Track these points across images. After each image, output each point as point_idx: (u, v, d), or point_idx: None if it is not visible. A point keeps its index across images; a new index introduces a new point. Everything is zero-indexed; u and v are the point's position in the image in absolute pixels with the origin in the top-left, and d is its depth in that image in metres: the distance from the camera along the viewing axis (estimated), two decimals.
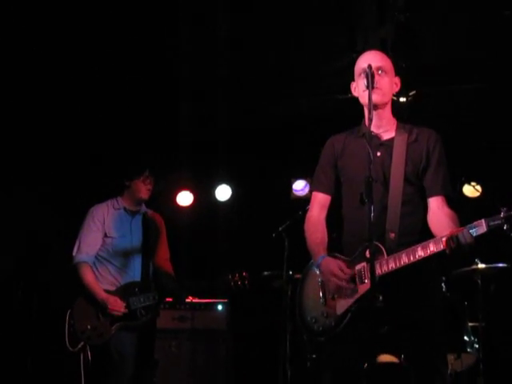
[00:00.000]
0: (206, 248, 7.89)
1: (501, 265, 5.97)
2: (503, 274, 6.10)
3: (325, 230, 3.92)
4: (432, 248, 3.47)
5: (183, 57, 6.82)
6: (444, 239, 3.41)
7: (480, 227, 3.35)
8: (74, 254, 5.39)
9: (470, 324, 5.95)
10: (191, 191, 7.80)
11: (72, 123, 6.99)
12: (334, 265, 3.68)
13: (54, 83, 6.63)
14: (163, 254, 5.66)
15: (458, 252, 3.38)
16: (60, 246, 6.06)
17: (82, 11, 6.02)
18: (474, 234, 3.36)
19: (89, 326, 5.17)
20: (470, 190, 7.27)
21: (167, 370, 6.31)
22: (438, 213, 3.69)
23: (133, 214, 5.57)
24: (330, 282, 3.68)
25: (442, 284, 5.81)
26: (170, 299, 6.34)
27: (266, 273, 6.31)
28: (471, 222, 3.41)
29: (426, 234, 3.71)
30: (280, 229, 5.90)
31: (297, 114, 7.37)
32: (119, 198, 5.59)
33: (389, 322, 3.66)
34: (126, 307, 5.20)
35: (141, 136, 7.21)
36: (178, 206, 7.78)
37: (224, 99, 7.40)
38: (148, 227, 5.61)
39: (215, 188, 7.84)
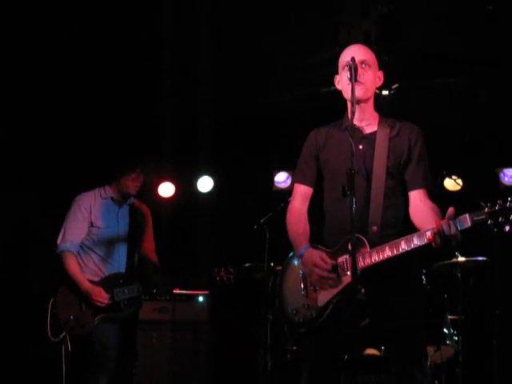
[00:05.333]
0: (187, 239, 7.88)
1: (480, 258, 6.02)
2: (482, 267, 6.15)
3: (307, 221, 3.93)
4: (416, 241, 3.49)
5: (165, 47, 6.79)
6: (429, 233, 3.44)
7: (464, 222, 3.38)
8: (58, 242, 5.35)
9: (450, 317, 6.00)
10: (173, 182, 7.79)
11: (59, 114, 6.96)
12: (317, 255, 3.70)
13: (41, 77, 6.59)
14: (149, 245, 5.65)
15: (444, 245, 3.41)
16: (45, 235, 6.02)
17: (62, 8, 5.96)
18: (459, 228, 3.38)
19: (71, 317, 5.15)
20: (451, 184, 7.32)
21: (148, 361, 6.31)
22: (420, 206, 3.72)
23: (120, 204, 5.54)
24: (313, 272, 3.70)
25: (422, 277, 5.86)
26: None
27: (247, 264, 6.32)
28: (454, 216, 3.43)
29: (407, 227, 3.73)
30: (261, 220, 5.90)
31: (279, 106, 7.36)
32: (107, 187, 5.55)
33: (370, 315, 3.69)
34: (110, 298, 5.19)
35: (122, 127, 7.19)
36: (160, 197, 7.76)
37: (206, 90, 7.37)
38: (135, 218, 5.59)
39: (197, 179, 7.83)
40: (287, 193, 4.81)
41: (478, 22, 6.18)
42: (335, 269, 3.68)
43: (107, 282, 5.26)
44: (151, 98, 7.19)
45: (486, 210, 3.34)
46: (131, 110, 7.16)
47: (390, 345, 3.82)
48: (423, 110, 6.76)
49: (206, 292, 6.72)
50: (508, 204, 3.30)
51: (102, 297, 5.15)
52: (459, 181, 7.24)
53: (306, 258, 3.74)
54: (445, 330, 5.88)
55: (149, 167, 5.64)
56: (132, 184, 5.47)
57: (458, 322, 5.96)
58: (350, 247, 3.51)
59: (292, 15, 6.25)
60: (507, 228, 3.29)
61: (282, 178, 7.75)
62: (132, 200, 5.61)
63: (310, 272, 3.72)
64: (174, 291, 6.57)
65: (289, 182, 7.61)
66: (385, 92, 6.60)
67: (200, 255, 7.66)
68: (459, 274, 6.05)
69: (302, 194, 3.99)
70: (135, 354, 5.57)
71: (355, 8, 5.99)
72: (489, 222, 3.33)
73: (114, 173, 5.50)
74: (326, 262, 3.67)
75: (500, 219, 3.30)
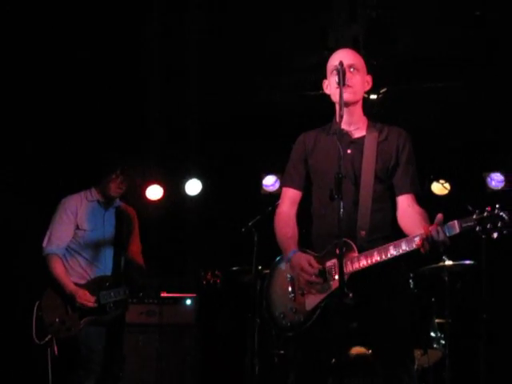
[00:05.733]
0: (175, 242, 7.86)
1: (467, 262, 6.04)
2: (470, 271, 6.17)
3: (295, 225, 3.92)
4: (404, 247, 3.50)
5: (154, 49, 6.78)
6: (418, 239, 3.45)
7: (453, 228, 3.39)
8: (44, 245, 5.33)
9: (437, 320, 6.02)
10: (161, 185, 7.77)
11: (46, 116, 6.92)
12: (304, 260, 3.69)
13: (26, 79, 6.56)
14: (135, 248, 5.63)
15: (432, 251, 3.42)
16: (31, 237, 5.99)
17: (49, 11, 5.95)
18: (448, 234, 3.39)
19: (57, 319, 5.13)
20: (439, 188, 7.35)
21: (135, 364, 6.29)
22: (408, 210, 3.72)
23: (106, 206, 5.53)
24: (300, 276, 3.70)
25: (410, 280, 5.88)
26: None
27: (235, 268, 6.31)
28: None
29: (395, 231, 3.74)
30: (249, 224, 5.89)
31: (268, 110, 7.37)
32: (93, 190, 5.53)
33: (357, 318, 3.69)
34: (96, 301, 5.17)
35: (110, 130, 7.16)
36: (148, 199, 7.74)
37: (195, 92, 7.37)
38: (121, 221, 5.57)
39: (185, 182, 7.81)
40: (275, 196, 4.80)
41: (465, 26, 6.22)
42: (322, 273, 3.67)
43: (93, 285, 5.24)
44: (140, 100, 7.17)
45: (475, 216, 3.35)
46: (119, 112, 7.13)
47: (377, 348, 3.81)
48: (411, 114, 6.78)
49: (194, 295, 6.71)
50: (496, 211, 3.31)
51: (87, 299, 5.13)
52: (447, 185, 7.27)
53: (294, 261, 3.73)
54: (432, 334, 5.90)
55: (132, 170, 5.61)
56: (114, 186, 5.45)
57: (445, 326, 5.97)
58: (338, 252, 3.51)
59: (281, 18, 6.27)
60: (495, 235, 3.30)
61: (270, 182, 7.75)
62: (118, 203, 5.60)
63: (298, 276, 3.71)
64: (162, 295, 6.55)
65: (277, 185, 7.60)
66: (373, 96, 6.62)
67: (188, 258, 7.65)
68: (446, 278, 6.06)
69: (290, 198, 3.98)
70: (122, 357, 5.55)
71: (344, 13, 6.01)
72: (477, 228, 3.34)
73: (98, 175, 5.49)
74: (313, 267, 3.66)
75: (488, 226, 3.31)
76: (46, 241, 5.34)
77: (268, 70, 6.89)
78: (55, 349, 5.08)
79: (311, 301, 3.69)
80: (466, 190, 7.24)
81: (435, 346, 5.86)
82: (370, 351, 5.30)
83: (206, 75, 6.94)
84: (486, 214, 3.33)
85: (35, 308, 5.19)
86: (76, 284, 5.21)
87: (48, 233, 5.36)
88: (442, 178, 7.25)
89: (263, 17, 6.17)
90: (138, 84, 6.95)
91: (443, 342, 5.93)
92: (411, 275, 5.87)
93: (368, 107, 4.02)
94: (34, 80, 6.62)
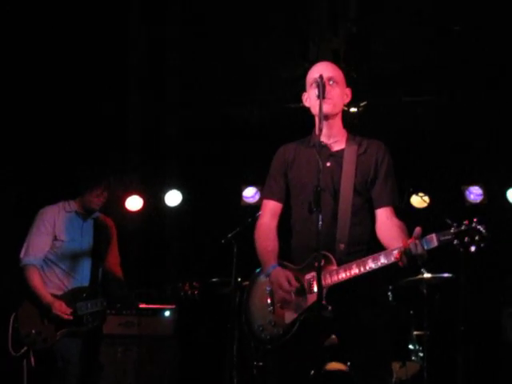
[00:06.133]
0: (155, 253, 7.84)
1: (446, 275, 6.06)
2: (448, 284, 6.19)
3: (276, 238, 3.92)
4: (383, 260, 3.51)
5: (133, 60, 6.78)
6: (396, 252, 3.46)
7: (431, 241, 3.41)
8: (21, 256, 5.29)
9: (415, 333, 6.03)
10: (141, 196, 7.75)
11: (25, 126, 6.87)
12: (283, 276, 3.68)
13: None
14: (113, 259, 5.60)
15: (410, 264, 3.43)
16: (8, 247, 5.94)
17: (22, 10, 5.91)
18: (426, 248, 3.41)
19: (33, 331, 5.08)
20: (418, 201, 7.38)
21: (113, 376, 6.25)
22: (387, 223, 3.73)
23: (84, 217, 5.50)
24: (278, 293, 3.69)
25: (389, 293, 5.89)
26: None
27: (214, 279, 6.29)
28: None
29: (374, 244, 3.75)
30: (229, 235, 5.89)
31: (249, 121, 7.38)
32: (71, 201, 5.51)
33: (336, 331, 3.69)
34: (73, 313, 5.13)
35: (90, 140, 7.13)
36: (128, 210, 7.72)
37: (175, 104, 7.37)
38: (99, 232, 5.54)
39: (165, 193, 7.80)
40: (255, 208, 4.80)
41: (444, 41, 6.28)
42: (301, 291, 3.67)
43: (70, 296, 5.20)
44: (120, 111, 7.16)
45: (453, 230, 3.37)
46: (100, 123, 7.11)
47: (355, 361, 3.81)
48: (391, 127, 6.82)
49: (173, 307, 6.68)
50: (474, 224, 3.33)
51: (63, 311, 5.09)
52: (426, 198, 7.30)
53: (273, 277, 3.73)
54: (410, 346, 5.91)
55: (114, 183, 5.60)
56: (96, 200, 5.43)
57: (424, 338, 5.98)
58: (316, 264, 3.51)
59: (263, 31, 6.30)
60: (473, 248, 3.32)
61: (250, 193, 7.75)
62: (97, 214, 5.57)
63: (276, 292, 3.71)
64: (140, 305, 6.51)
65: (257, 197, 7.60)
66: (353, 109, 6.66)
67: (167, 269, 7.62)
68: (425, 290, 6.08)
69: (270, 210, 3.98)
70: (99, 368, 5.50)
71: (324, 26, 6.05)
72: (455, 242, 3.35)
73: (79, 188, 5.46)
74: (291, 285, 3.66)
75: (466, 239, 3.33)
76: (23, 251, 5.30)
77: (249, 81, 6.91)
78: (32, 360, 5.03)
79: (290, 314, 3.68)
80: (445, 203, 7.28)
81: (413, 358, 5.88)
82: (349, 364, 5.31)
83: (187, 87, 6.95)
84: (463, 227, 3.35)
85: (11, 319, 5.14)
86: (53, 295, 5.17)
87: (25, 243, 5.32)
88: (422, 191, 7.29)
89: (244, 29, 6.19)
90: (118, 96, 6.93)
91: (421, 354, 5.94)
92: (390, 287, 5.88)
93: (348, 120, 4.04)
94: (15, 90, 6.58)
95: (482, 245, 3.32)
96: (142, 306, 6.53)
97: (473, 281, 6.66)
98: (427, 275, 6.00)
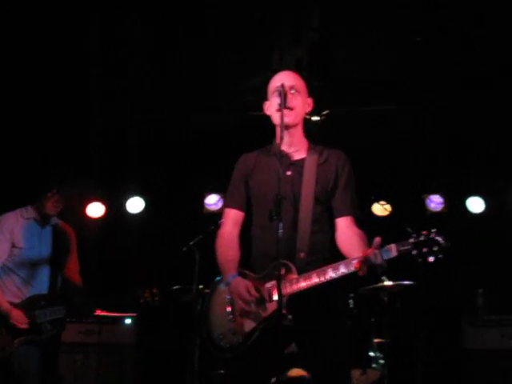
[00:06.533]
0: (115, 260, 7.78)
1: (406, 282, 6.11)
2: (409, 291, 6.24)
3: (237, 246, 3.90)
4: (343, 269, 3.52)
5: (93, 68, 6.72)
6: (356, 261, 3.47)
7: (390, 251, 3.42)
8: None
9: (376, 340, 6.06)
10: (102, 203, 7.69)
11: None
12: (243, 286, 3.67)
13: None
14: (73, 267, 5.55)
15: (370, 273, 3.45)
16: None
17: None
18: (385, 258, 3.43)
19: None
20: (379, 209, 7.44)
21: None
22: (347, 232, 3.75)
23: (43, 224, 5.44)
24: (237, 303, 3.69)
25: (350, 300, 5.92)
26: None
27: (175, 287, 6.26)
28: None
29: (334, 252, 3.77)
30: (191, 243, 5.87)
31: (211, 129, 7.37)
32: (29, 208, 5.44)
33: (296, 339, 3.69)
34: (32, 321, 5.06)
35: (51, 145, 7.06)
36: (88, 217, 7.65)
37: (137, 111, 7.33)
38: (58, 239, 5.49)
39: (127, 200, 7.75)
40: (218, 215, 4.79)
41: (407, 51, 6.34)
42: (260, 300, 3.66)
43: (28, 304, 5.14)
44: (81, 118, 7.09)
45: (412, 240, 3.39)
46: (60, 130, 7.03)
47: (314, 369, 3.81)
48: (352, 136, 6.86)
49: (134, 315, 6.63)
50: (432, 235, 3.36)
51: (19, 320, 5.02)
52: (387, 206, 7.37)
53: (233, 287, 3.72)
54: (371, 354, 5.95)
55: (69, 187, 5.53)
56: (50, 204, 5.38)
57: (384, 346, 6.02)
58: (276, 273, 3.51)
59: (226, 38, 6.29)
60: (431, 259, 3.34)
61: (212, 201, 7.75)
62: (56, 220, 5.52)
63: (236, 301, 3.70)
64: (100, 313, 6.44)
65: (220, 204, 7.60)
66: (315, 118, 6.68)
67: (128, 277, 7.56)
68: (386, 298, 6.12)
69: (232, 219, 3.96)
70: (59, 377, 5.43)
71: (288, 35, 6.06)
72: (413, 252, 3.37)
73: (34, 193, 5.40)
74: (251, 295, 3.65)
75: (424, 250, 3.35)
76: None
77: (211, 89, 6.90)
78: None
79: (250, 323, 3.68)
80: (406, 211, 7.35)
81: (374, 365, 5.91)
82: (309, 372, 5.31)
83: (148, 94, 6.91)
84: (422, 237, 3.37)
85: None
86: (11, 303, 5.10)
87: None
88: (383, 200, 7.35)
89: (207, 36, 6.18)
90: (79, 102, 6.87)
91: (382, 361, 5.97)
92: (351, 295, 5.91)
93: (310, 131, 4.05)
94: None
95: (439, 255, 3.34)
96: (103, 313, 6.49)
97: (433, 288, 6.73)
98: (388, 283, 6.04)
